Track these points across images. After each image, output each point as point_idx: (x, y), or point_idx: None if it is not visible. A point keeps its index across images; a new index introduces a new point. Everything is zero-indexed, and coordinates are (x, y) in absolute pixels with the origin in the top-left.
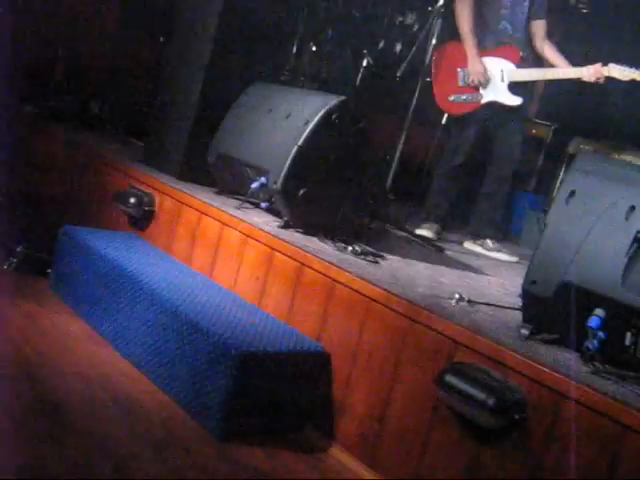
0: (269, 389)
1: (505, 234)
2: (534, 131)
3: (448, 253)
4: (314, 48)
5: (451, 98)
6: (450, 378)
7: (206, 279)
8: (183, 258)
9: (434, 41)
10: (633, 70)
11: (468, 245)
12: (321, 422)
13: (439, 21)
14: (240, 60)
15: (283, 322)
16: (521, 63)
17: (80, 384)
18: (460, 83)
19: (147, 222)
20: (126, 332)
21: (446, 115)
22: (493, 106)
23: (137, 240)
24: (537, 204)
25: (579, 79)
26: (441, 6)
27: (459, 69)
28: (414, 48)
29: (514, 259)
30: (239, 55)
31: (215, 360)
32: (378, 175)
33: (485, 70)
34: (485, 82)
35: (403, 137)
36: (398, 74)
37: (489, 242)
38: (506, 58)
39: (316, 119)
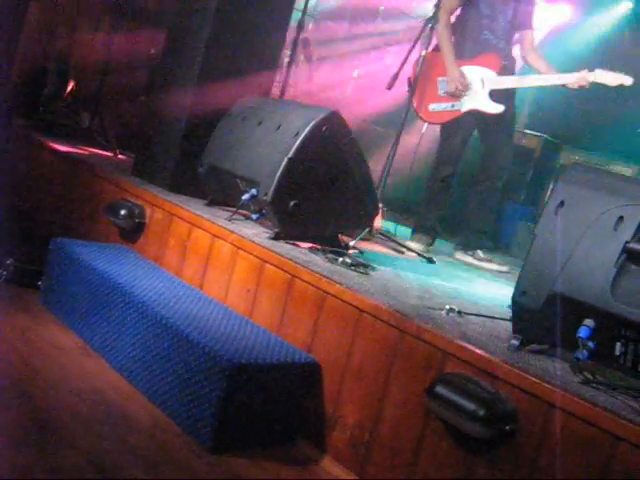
0: (260, 401)
1: (495, 244)
2: (524, 142)
3: (439, 264)
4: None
5: (431, 107)
6: (441, 389)
7: (197, 291)
8: (174, 270)
9: (424, 52)
10: (621, 75)
11: (459, 255)
12: (312, 433)
13: (429, 32)
14: (231, 73)
15: (274, 334)
16: (503, 71)
17: (71, 397)
18: (440, 92)
19: (138, 234)
20: (117, 344)
21: (426, 125)
22: (481, 116)
23: (128, 252)
24: (527, 214)
25: (563, 86)
26: (431, 17)
27: (439, 78)
28: (403, 59)
29: (504, 269)
30: (230, 68)
31: (206, 372)
32: (369, 186)
33: (463, 78)
34: (463, 90)
35: (394, 148)
36: (387, 86)
37: (480, 252)
38: (487, 66)
39: (306, 131)
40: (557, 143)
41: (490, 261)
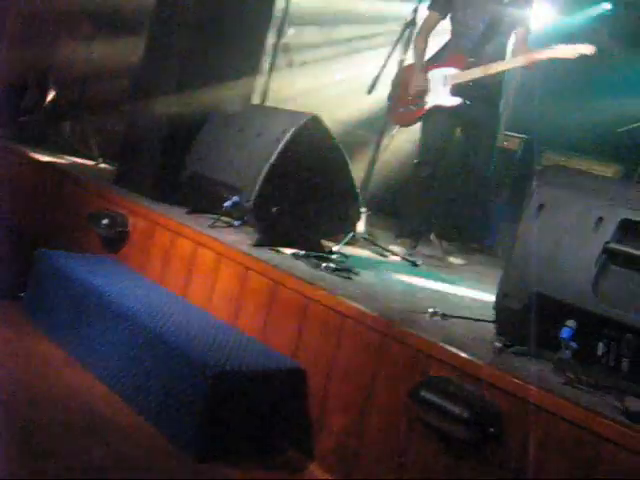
0: (245, 408)
1: (479, 245)
2: (505, 143)
3: (424, 267)
4: None
5: (400, 110)
6: (425, 393)
7: (180, 299)
8: (157, 278)
9: (402, 57)
10: (581, 45)
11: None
12: (298, 439)
13: (408, 36)
14: (210, 80)
15: (258, 340)
16: (468, 68)
17: (55, 408)
18: (408, 96)
19: (121, 243)
20: (101, 355)
21: (396, 127)
22: (462, 117)
23: (111, 262)
24: (511, 215)
25: (522, 67)
26: (409, 22)
27: (408, 84)
28: (383, 64)
29: (462, 262)
30: (209, 75)
31: (190, 380)
32: (352, 191)
33: (423, 78)
34: (421, 89)
35: (377, 151)
36: (368, 90)
37: (437, 241)
38: (451, 65)
39: (287, 137)
40: (538, 144)
41: (449, 252)
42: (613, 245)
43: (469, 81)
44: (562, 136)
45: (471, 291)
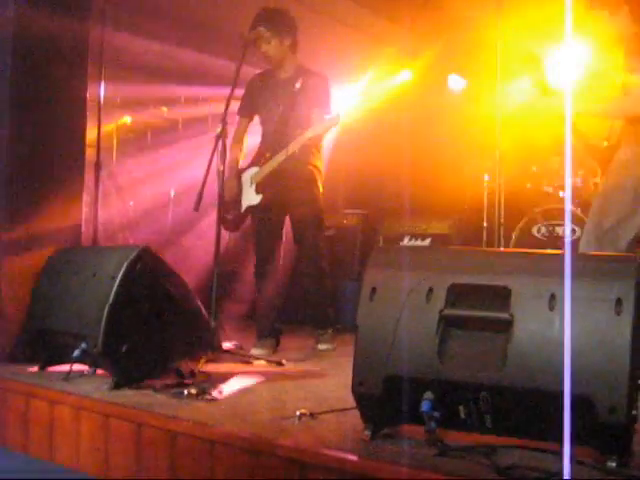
0: None
1: (340, 325)
2: (345, 222)
3: (287, 365)
4: None
5: (227, 217)
6: None
7: (46, 464)
8: (19, 447)
9: (221, 167)
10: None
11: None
12: None
13: (222, 147)
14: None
15: None
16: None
17: None
18: (228, 203)
19: None
20: None
21: (228, 234)
22: (284, 211)
23: None
24: None
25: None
26: (220, 133)
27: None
28: (203, 179)
29: (331, 347)
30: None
31: None
32: (198, 310)
33: (237, 185)
34: (237, 193)
35: (217, 260)
36: (194, 207)
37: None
38: (254, 165)
39: (121, 273)
40: (376, 216)
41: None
42: (447, 311)
43: (269, 175)
44: (397, 203)
45: (339, 378)
